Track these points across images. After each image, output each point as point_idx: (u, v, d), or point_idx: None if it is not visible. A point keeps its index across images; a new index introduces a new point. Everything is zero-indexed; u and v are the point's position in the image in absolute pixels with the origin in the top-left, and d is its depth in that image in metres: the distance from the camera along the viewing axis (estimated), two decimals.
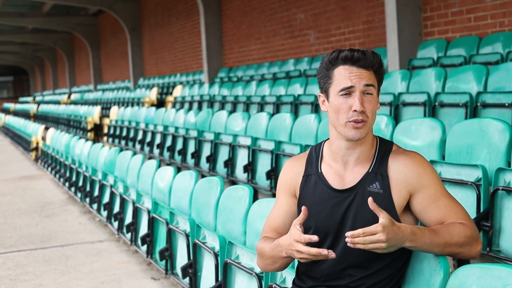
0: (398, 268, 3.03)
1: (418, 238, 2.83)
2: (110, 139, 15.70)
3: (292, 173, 3.23)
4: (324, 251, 2.80)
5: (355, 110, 2.92)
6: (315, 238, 2.82)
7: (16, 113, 37.42)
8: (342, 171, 3.08)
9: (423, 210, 3.00)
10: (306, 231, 3.12)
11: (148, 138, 12.46)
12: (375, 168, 3.03)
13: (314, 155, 3.20)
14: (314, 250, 2.82)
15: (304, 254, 2.85)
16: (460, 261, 4.99)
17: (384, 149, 3.08)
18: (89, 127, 19.55)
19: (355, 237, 2.73)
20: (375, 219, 2.91)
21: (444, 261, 2.88)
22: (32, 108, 34.49)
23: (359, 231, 2.73)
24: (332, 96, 2.99)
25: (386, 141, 3.14)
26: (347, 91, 2.93)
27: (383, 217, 2.74)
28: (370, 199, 2.78)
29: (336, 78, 2.97)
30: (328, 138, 3.17)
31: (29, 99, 48.40)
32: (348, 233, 2.74)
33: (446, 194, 3.02)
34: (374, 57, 2.96)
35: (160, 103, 19.39)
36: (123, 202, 7.60)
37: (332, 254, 2.81)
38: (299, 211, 3.16)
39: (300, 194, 3.17)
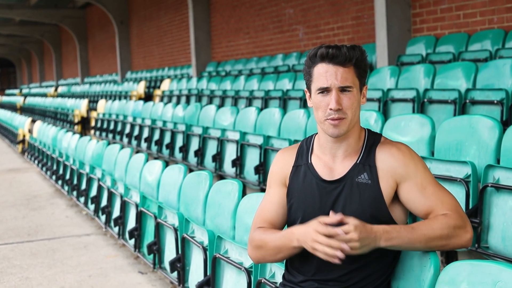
0: (388, 262, 3.04)
1: (393, 236, 2.86)
2: (98, 133, 15.65)
3: (283, 163, 3.26)
4: (340, 230, 2.80)
5: (331, 109, 2.96)
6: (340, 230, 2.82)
7: (3, 106, 37.21)
8: (332, 163, 3.11)
9: (410, 199, 3.01)
10: (294, 221, 3.16)
11: (136, 132, 12.43)
12: (363, 159, 3.06)
13: (305, 147, 3.23)
14: (334, 231, 2.81)
15: (321, 244, 2.82)
16: (448, 257, 5.01)
17: (372, 140, 3.12)
18: (76, 120, 19.49)
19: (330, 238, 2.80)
20: (363, 210, 2.97)
21: (435, 258, 2.89)
22: (18, 100, 34.34)
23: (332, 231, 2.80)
24: (313, 93, 3.06)
25: (375, 133, 3.17)
26: (324, 90, 2.99)
27: (352, 219, 2.81)
28: (331, 213, 2.87)
29: (315, 76, 3.03)
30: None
31: (16, 91, 48.20)
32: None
33: (433, 182, 3.03)
34: (350, 52, 2.99)
35: (147, 97, 19.34)
36: (110, 195, 7.57)
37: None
38: (288, 201, 3.20)
39: (289, 184, 3.20)
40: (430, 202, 2.98)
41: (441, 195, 2.99)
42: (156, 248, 5.69)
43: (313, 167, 3.13)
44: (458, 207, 2.99)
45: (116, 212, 7.35)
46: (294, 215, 3.16)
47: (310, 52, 3.06)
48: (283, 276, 3.26)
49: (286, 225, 3.27)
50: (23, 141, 17.90)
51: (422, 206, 2.99)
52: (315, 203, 3.08)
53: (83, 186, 9.19)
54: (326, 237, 2.82)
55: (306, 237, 2.89)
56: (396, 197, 3.05)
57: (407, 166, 3.01)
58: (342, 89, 2.97)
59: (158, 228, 5.66)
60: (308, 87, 3.10)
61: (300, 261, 3.12)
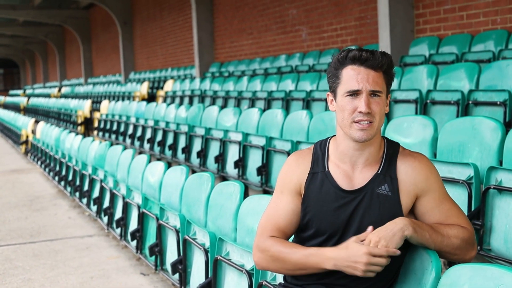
0: (395, 268, 3.03)
1: (418, 228, 2.87)
2: (101, 133, 15.66)
3: (298, 169, 3.16)
4: (397, 252, 2.84)
5: (360, 112, 2.91)
6: (398, 252, 2.85)
7: (6, 106, 37.25)
8: (351, 172, 3.06)
9: (426, 213, 3.02)
10: (307, 229, 3.10)
11: (139, 133, 12.42)
12: (384, 170, 3.03)
13: (320, 152, 3.15)
14: (392, 250, 2.83)
15: (376, 266, 2.83)
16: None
17: (392, 150, 3.08)
18: (79, 121, 19.50)
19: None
20: (382, 221, 2.93)
21: (436, 261, 2.87)
22: (22, 101, 34.36)
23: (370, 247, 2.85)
24: (339, 96, 2.99)
25: (393, 142, 3.13)
26: (354, 93, 2.93)
27: (370, 234, 2.88)
28: (369, 228, 2.91)
29: (344, 78, 2.96)
30: (334, 135, 3.15)
31: (20, 92, 48.23)
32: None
33: (449, 198, 3.06)
34: (383, 58, 2.95)
35: (151, 98, 19.34)
36: (113, 197, 7.57)
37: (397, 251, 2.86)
38: (303, 209, 3.12)
39: (305, 192, 3.11)
40: (446, 218, 3.00)
41: (455, 211, 3.03)
42: (158, 250, 5.69)
43: (331, 176, 3.07)
44: (470, 224, 3.04)
45: (118, 214, 7.34)
46: (308, 223, 3.09)
47: (340, 54, 3.00)
48: (284, 278, 3.23)
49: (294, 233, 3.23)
50: (26, 141, 17.91)
51: (436, 220, 3.01)
52: (333, 212, 3.02)
53: (86, 187, 9.18)
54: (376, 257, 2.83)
55: (353, 262, 2.84)
56: (411, 209, 3.05)
57: (428, 180, 3.01)
58: (372, 93, 2.92)
59: (160, 229, 5.65)
60: (333, 90, 3.03)
61: None
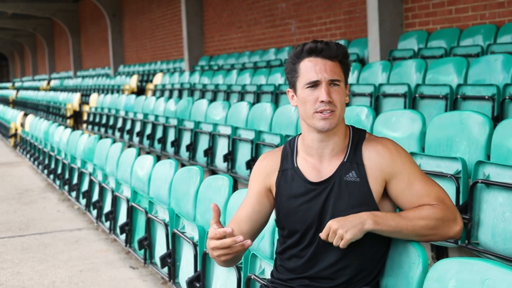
0: (378, 259, 3.04)
1: (380, 220, 2.88)
2: (90, 127, 15.63)
3: (268, 168, 3.21)
4: (239, 238, 2.85)
5: (322, 101, 2.93)
6: (229, 230, 2.87)
7: None
8: (318, 164, 3.08)
9: (398, 196, 3.01)
10: (286, 227, 3.12)
11: (128, 126, 12.41)
12: (350, 157, 3.04)
13: (289, 149, 3.19)
14: (229, 241, 2.86)
15: (219, 250, 2.89)
16: (439, 253, 5.02)
17: (357, 137, 3.09)
18: (68, 114, 19.44)
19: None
20: (353, 208, 2.96)
21: (423, 254, 2.89)
22: (11, 94, 34.22)
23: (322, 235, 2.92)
24: (299, 89, 3.01)
25: (359, 129, 3.15)
26: (314, 84, 2.96)
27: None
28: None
29: (302, 71, 2.99)
30: (301, 133, 3.16)
31: (8, 85, 48.03)
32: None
33: (420, 177, 3.02)
34: (338, 48, 2.99)
35: (140, 91, 19.31)
36: (102, 190, 7.56)
37: (248, 242, 2.88)
38: (277, 206, 3.16)
39: (277, 189, 3.15)
40: (417, 198, 2.98)
41: (428, 189, 2.99)
42: (147, 243, 5.69)
43: (300, 170, 3.10)
44: (447, 199, 2.98)
45: (107, 207, 7.34)
46: (285, 220, 3.12)
47: (296, 49, 3.04)
48: (271, 274, 3.25)
49: (278, 232, 3.24)
50: (15, 135, 17.86)
51: (409, 202, 2.99)
52: (305, 206, 3.04)
53: (75, 181, 9.17)
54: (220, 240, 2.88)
55: (209, 251, 2.97)
56: (385, 193, 3.04)
57: (394, 163, 3.00)
58: (331, 83, 2.95)
59: (149, 223, 5.66)
60: (293, 85, 3.06)
61: (289, 259, 3.11)
